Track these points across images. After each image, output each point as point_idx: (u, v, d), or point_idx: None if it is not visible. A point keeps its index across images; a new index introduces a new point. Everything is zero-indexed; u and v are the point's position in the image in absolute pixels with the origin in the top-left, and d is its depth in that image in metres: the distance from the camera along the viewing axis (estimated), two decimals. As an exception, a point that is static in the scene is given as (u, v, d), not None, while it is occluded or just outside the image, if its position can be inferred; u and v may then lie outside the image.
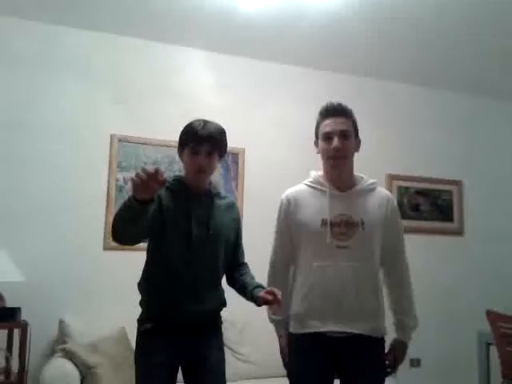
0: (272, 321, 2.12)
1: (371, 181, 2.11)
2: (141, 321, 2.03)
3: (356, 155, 2.12)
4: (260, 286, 1.99)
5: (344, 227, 1.98)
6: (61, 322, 3.18)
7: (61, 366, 2.83)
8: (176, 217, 1.96)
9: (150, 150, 3.70)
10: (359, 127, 2.12)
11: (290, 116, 4.14)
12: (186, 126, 2.05)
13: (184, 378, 2.03)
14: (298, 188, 2.13)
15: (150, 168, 1.59)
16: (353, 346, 1.94)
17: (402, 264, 2.10)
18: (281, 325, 2.10)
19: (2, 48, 3.46)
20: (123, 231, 1.77)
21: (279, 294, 1.84)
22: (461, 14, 3.34)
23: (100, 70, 3.68)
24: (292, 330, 2.03)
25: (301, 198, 2.08)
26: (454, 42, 3.76)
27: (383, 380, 2.01)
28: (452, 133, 4.69)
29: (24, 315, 3.06)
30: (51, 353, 3.14)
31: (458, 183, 4.61)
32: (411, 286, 2.11)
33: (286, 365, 2.11)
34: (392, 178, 4.37)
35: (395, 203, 2.13)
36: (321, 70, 4.28)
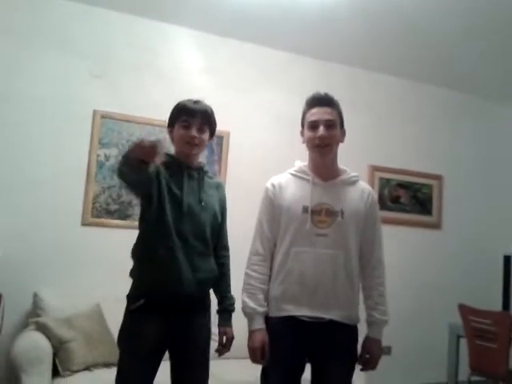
0: (248, 312, 2.01)
1: (353, 174, 2.14)
2: (132, 298, 2.00)
3: (339, 144, 2.13)
4: (225, 311, 2.17)
5: (324, 215, 2.01)
6: (35, 296, 3.15)
7: (33, 338, 2.81)
8: (169, 187, 2.00)
9: (132, 127, 3.65)
10: (346, 116, 2.14)
11: (277, 102, 4.12)
12: (176, 104, 2.12)
13: (170, 355, 2.04)
14: (283, 176, 2.16)
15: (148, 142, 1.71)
16: (326, 331, 1.97)
17: (377, 259, 2.10)
18: (259, 318, 2.00)
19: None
20: (125, 174, 1.86)
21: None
22: (455, 10, 3.34)
23: (85, 44, 3.60)
24: (270, 313, 2.03)
25: (284, 185, 2.10)
26: (447, 38, 3.77)
27: (353, 367, 2.05)
28: (437, 128, 4.73)
29: (-2, 287, 3.03)
30: (24, 325, 3.12)
31: (438, 178, 4.66)
32: (385, 282, 2.10)
33: (260, 363, 2.01)
34: (374, 169, 4.40)
35: (375, 197, 2.17)
36: (312, 58, 4.26)
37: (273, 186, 2.11)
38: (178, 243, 1.97)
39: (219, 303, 2.18)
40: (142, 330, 1.94)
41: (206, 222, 2.06)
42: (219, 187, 2.22)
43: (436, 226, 4.64)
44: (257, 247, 2.08)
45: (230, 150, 3.92)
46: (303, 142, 2.12)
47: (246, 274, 2.06)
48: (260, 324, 1.99)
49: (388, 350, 4.25)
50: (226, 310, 2.17)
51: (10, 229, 3.26)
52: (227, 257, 2.23)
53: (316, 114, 2.04)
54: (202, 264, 2.03)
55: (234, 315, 2.19)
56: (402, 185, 4.53)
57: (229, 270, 2.23)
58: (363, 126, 4.36)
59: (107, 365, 2.84)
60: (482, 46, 3.85)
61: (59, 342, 2.81)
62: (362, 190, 2.11)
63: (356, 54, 4.18)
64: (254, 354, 1.98)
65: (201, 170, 2.13)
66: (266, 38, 3.98)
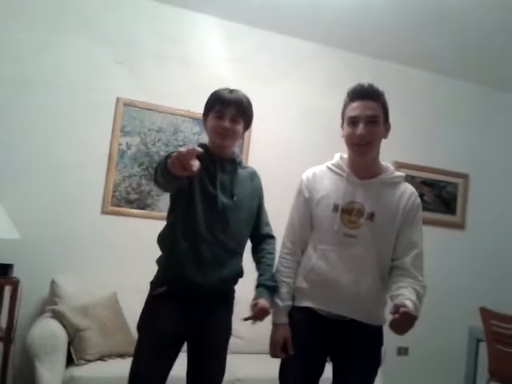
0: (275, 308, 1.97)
1: (397, 174, 2.00)
2: (155, 284, 2.00)
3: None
4: (261, 285, 1.99)
5: (355, 215, 1.91)
6: (52, 283, 3.16)
7: (49, 326, 2.82)
8: (203, 181, 1.95)
9: (155, 116, 3.62)
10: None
11: (303, 95, 4.02)
12: (212, 93, 2.05)
13: (187, 347, 2.02)
14: (320, 168, 2.05)
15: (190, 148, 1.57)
16: (347, 331, 1.91)
17: (410, 263, 1.90)
18: (280, 312, 1.96)
19: (8, 2, 3.35)
20: (159, 183, 1.86)
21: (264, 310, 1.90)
22: (491, 4, 3.23)
23: (110, 31, 3.57)
24: (294, 303, 1.99)
25: (320, 178, 2.00)
26: (481, 34, 3.66)
27: (375, 370, 1.97)
28: (465, 125, 4.59)
29: (16, 272, 3.04)
30: (41, 312, 3.13)
31: (464, 176, 4.55)
32: (419, 287, 1.88)
33: (279, 356, 1.96)
34: (398, 165, 4.30)
35: (418, 201, 1.98)
36: (339, 49, 4.14)
37: (307, 178, 2.03)
38: (207, 238, 1.92)
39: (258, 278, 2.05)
40: (162, 316, 1.93)
41: (239, 220, 2.01)
42: (253, 177, 2.12)
43: (459, 226, 4.53)
44: (285, 241, 2.04)
45: (251, 142, 3.84)
46: (342, 137, 1.99)
47: (275, 265, 2.04)
48: (282, 319, 1.95)
49: (405, 351, 4.19)
50: (261, 284, 2.01)
51: (29, 214, 3.27)
52: (273, 246, 2.12)
53: (357, 108, 1.90)
54: (228, 261, 1.98)
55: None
56: (426, 182, 4.43)
57: (274, 258, 2.09)
58: (390, 120, 4.26)
59: (121, 355, 2.84)
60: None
61: (75, 331, 2.81)
62: (402, 192, 1.95)
63: (385, 46, 4.06)
64: (274, 348, 1.95)
65: (233, 162, 2.06)
66: (294, 28, 3.89)
